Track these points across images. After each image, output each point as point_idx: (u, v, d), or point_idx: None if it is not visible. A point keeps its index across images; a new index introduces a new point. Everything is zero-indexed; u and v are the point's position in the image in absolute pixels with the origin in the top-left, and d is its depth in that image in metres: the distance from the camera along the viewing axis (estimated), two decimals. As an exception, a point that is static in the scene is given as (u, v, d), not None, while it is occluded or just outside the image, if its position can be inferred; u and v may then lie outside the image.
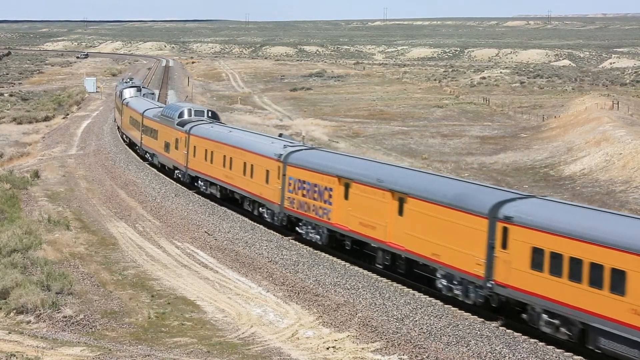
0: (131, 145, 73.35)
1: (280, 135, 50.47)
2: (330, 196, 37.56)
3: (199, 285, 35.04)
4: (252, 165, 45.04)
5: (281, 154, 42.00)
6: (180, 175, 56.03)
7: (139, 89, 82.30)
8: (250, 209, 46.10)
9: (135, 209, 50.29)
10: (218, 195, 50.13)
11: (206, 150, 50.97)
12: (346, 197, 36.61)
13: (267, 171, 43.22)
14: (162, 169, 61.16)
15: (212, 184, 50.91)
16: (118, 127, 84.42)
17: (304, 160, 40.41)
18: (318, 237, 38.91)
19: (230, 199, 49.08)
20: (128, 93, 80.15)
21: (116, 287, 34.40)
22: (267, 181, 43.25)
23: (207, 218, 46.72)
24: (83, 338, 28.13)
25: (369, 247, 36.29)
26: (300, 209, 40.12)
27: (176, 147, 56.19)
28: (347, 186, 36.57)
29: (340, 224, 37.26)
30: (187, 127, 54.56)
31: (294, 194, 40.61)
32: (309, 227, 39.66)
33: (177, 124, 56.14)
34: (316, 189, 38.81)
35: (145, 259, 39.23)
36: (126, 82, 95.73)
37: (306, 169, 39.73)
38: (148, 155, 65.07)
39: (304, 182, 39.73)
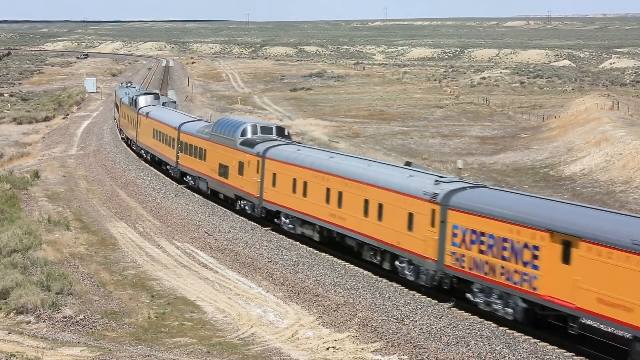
0: (153, 162, 64.99)
1: (408, 163, 39.10)
2: (534, 257, 27.93)
3: (199, 285, 35.04)
4: (380, 204, 34.92)
5: (436, 193, 31.86)
6: (247, 207, 46.19)
7: (156, 97, 71.79)
8: (376, 261, 35.75)
9: (135, 209, 50.30)
10: (316, 237, 39.88)
11: (295, 179, 40.87)
12: (566, 260, 26.82)
13: (410, 214, 33.14)
14: (210, 195, 51.73)
15: (305, 222, 40.58)
16: (129, 139, 75.48)
17: (481, 204, 30.31)
18: (509, 310, 29.10)
19: (334, 243, 38.96)
20: (144, 101, 69.54)
21: (116, 288, 34.40)
22: (410, 227, 33.16)
23: (207, 218, 46.73)
24: (83, 338, 28.13)
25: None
26: (475, 269, 30.25)
27: (240, 173, 46.41)
28: (567, 245, 26.75)
29: (555, 297, 27.31)
30: (258, 148, 44.80)
31: (463, 249, 30.69)
32: (491, 294, 29.85)
33: (242, 144, 46.32)
34: (506, 244, 29.02)
35: (145, 259, 39.23)
36: (126, 86, 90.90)
37: (488, 216, 29.62)
38: (190, 178, 55.12)
39: (482, 233, 29.95)
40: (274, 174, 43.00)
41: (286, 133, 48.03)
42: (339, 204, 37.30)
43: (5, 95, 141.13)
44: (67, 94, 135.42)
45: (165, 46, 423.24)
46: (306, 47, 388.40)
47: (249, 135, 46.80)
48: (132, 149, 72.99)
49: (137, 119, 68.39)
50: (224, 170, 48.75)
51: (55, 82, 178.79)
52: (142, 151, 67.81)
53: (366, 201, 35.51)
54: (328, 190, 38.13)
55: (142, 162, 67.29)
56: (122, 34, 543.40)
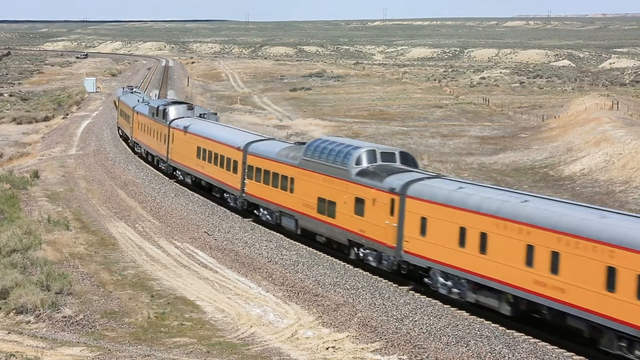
0: (196, 185, 54.89)
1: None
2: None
3: (198, 285, 35.04)
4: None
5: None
6: (372, 258, 35.60)
7: (190, 107, 61.11)
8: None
9: (135, 209, 50.30)
10: (506, 310, 29.41)
11: (463, 229, 30.71)
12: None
13: None
14: (299, 234, 41.43)
15: (483, 287, 30.23)
16: (147, 154, 66.10)
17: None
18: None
19: (536, 321, 29.18)
20: (175, 112, 59.44)
21: (116, 287, 34.40)
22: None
23: (207, 218, 46.73)
24: (83, 338, 28.13)
25: None
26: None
27: (359, 213, 36.09)
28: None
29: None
30: (390, 182, 34.17)
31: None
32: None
33: (359, 175, 36.18)
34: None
35: (145, 259, 39.22)
36: (131, 91, 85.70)
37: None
38: (265, 212, 44.58)
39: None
40: (424, 219, 32.20)
41: (412, 159, 37.72)
42: (555, 270, 26.83)
43: (5, 95, 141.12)
44: (66, 94, 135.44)
45: (165, 46, 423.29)
46: (306, 47, 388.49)
47: (365, 163, 36.57)
48: (149, 162, 65.27)
49: (170, 133, 58.22)
50: (326, 207, 38.29)
51: (55, 82, 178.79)
52: (178, 172, 57.46)
53: (609, 270, 25.32)
54: (530, 249, 27.81)
55: (143, 162, 67.24)
56: (121, 34, 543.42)
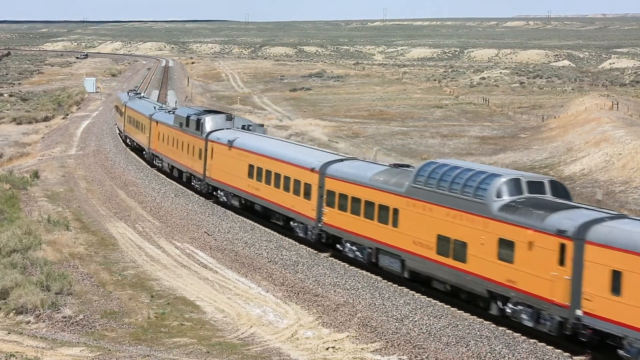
0: (245, 208, 47.81)
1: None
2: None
3: (198, 285, 35.04)
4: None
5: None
6: (526, 316, 28.58)
7: (229, 117, 53.65)
8: None
9: (135, 209, 50.30)
10: None
11: None
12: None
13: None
14: (405, 278, 34.43)
15: None
16: (172, 168, 59.64)
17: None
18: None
19: None
20: (212, 124, 52.32)
21: (116, 288, 34.40)
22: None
23: (207, 218, 46.73)
24: (83, 338, 28.13)
25: None
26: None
27: (505, 258, 29.07)
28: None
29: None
30: (558, 223, 27.25)
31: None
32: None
33: (503, 211, 29.25)
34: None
35: (145, 259, 39.23)
36: (139, 96, 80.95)
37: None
38: (354, 247, 37.27)
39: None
40: (616, 274, 25.13)
41: (564, 190, 31.27)
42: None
43: (5, 95, 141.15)
44: (66, 94, 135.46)
45: (165, 46, 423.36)
46: (306, 47, 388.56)
47: (508, 195, 29.80)
48: (176, 179, 58.24)
49: (207, 147, 51.22)
50: (452, 247, 31.15)
51: (55, 82, 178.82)
52: (220, 192, 50.01)
53: None
54: None
55: (143, 163, 67.26)
56: (121, 34, 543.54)
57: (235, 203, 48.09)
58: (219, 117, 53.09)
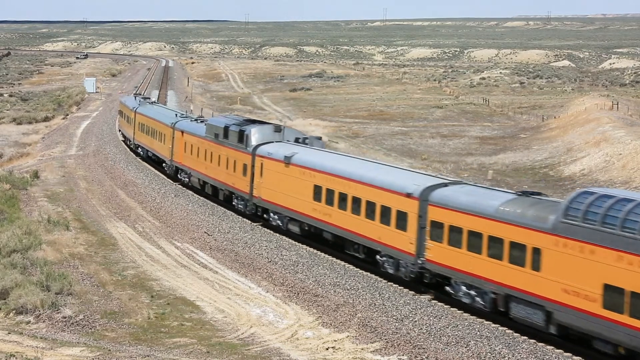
0: (308, 236, 41.24)
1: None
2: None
3: (198, 285, 35.04)
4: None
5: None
6: None
7: (277, 129, 46.92)
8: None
9: (135, 209, 50.30)
10: None
11: None
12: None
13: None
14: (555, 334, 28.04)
15: None
16: (202, 182, 53.24)
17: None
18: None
19: None
20: (260, 136, 45.99)
21: (116, 288, 34.41)
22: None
23: (207, 218, 46.72)
24: (83, 338, 28.13)
25: None
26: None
27: None
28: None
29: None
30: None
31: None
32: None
33: None
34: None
35: (145, 259, 39.23)
36: (150, 102, 75.70)
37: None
38: (465, 290, 31.07)
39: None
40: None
41: None
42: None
43: (5, 95, 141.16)
44: (66, 94, 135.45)
45: (165, 46, 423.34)
46: (306, 48, 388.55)
47: None
48: (206, 194, 52.64)
49: (255, 163, 45.04)
50: (625, 302, 24.77)
51: (55, 82, 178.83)
52: (274, 215, 43.51)
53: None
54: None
55: (142, 162, 67.24)
56: (121, 34, 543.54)
57: (295, 228, 41.52)
58: (266, 129, 46.44)
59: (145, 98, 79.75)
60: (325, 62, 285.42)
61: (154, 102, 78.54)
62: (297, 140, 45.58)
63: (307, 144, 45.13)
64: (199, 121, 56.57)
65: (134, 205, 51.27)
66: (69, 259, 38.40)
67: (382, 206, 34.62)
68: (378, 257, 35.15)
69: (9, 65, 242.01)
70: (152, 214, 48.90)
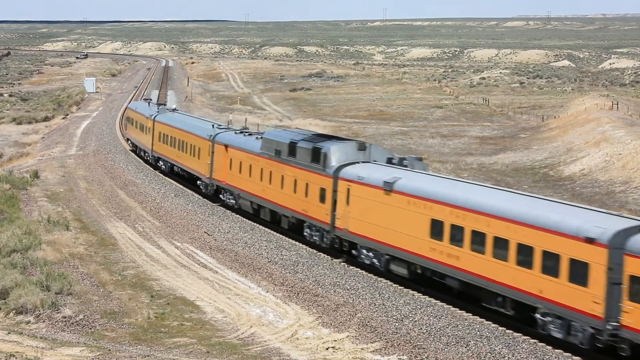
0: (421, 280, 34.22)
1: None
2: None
3: (198, 285, 35.04)
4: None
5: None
6: None
7: (361, 147, 39.17)
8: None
9: (135, 209, 50.29)
10: None
11: None
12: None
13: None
14: None
15: None
16: (289, 218, 42.44)
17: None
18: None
19: None
20: (340, 156, 38.57)
21: (116, 288, 34.41)
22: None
23: (207, 218, 46.72)
24: (82, 338, 28.13)
25: None
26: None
27: None
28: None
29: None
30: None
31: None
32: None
33: None
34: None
35: (145, 259, 39.23)
36: (170, 110, 67.06)
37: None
38: None
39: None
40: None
41: None
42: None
43: (5, 95, 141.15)
44: (66, 94, 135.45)
45: (165, 46, 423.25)
46: (306, 48, 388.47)
47: None
48: (262, 220, 45.43)
49: (337, 188, 37.67)
50: None
51: (55, 82, 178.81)
52: (367, 252, 36.17)
53: None
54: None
55: (142, 162, 67.19)
56: (121, 34, 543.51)
57: (399, 270, 34.50)
58: (348, 147, 38.97)
59: (160, 104, 71.66)
60: (325, 62, 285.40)
61: (175, 109, 68.83)
62: (390, 161, 38.36)
63: (404, 165, 37.61)
64: (246, 134, 49.55)
65: (134, 205, 51.27)
66: (69, 259, 38.40)
67: (545, 252, 27.30)
68: (539, 315, 27.88)
69: (9, 65, 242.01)
70: (152, 214, 48.90)
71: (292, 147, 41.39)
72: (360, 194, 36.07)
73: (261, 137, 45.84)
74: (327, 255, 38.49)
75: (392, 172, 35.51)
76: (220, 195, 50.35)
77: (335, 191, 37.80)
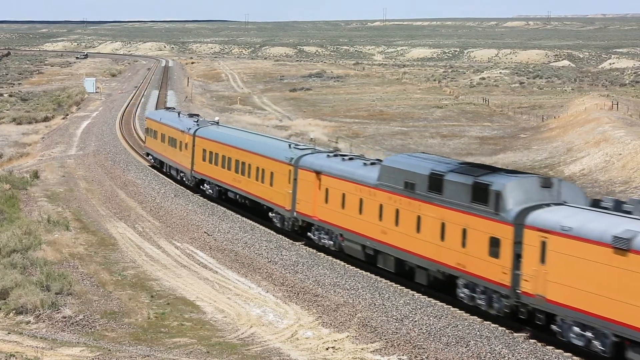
0: None
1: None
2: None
3: (198, 285, 35.04)
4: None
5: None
6: None
7: (546, 184, 30.08)
8: None
9: (135, 209, 50.28)
10: None
11: None
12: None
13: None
14: None
15: None
16: (428, 273, 33.25)
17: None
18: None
19: None
20: (519, 194, 29.44)
21: (116, 288, 34.41)
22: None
23: (207, 218, 46.72)
24: (82, 338, 28.14)
25: None
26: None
27: None
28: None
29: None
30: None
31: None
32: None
33: None
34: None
35: (145, 259, 39.24)
36: (213, 123, 56.94)
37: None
38: None
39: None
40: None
41: None
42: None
43: (5, 95, 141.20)
44: (66, 94, 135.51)
45: (165, 46, 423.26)
46: (306, 48, 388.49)
47: None
48: (366, 264, 37.22)
49: (524, 241, 28.11)
50: None
51: (55, 82, 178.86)
52: (588, 332, 26.26)
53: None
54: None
55: (143, 162, 67.16)
56: (121, 34, 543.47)
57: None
58: (529, 183, 29.97)
59: (192, 115, 62.08)
60: (325, 62, 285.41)
61: (218, 122, 58.38)
62: (596, 204, 28.69)
63: (625, 210, 27.32)
64: (346, 158, 40.01)
65: (134, 205, 51.26)
66: (69, 259, 38.41)
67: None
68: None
69: (9, 65, 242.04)
70: (152, 214, 48.89)
71: (436, 181, 32.44)
72: (566, 251, 26.51)
73: (376, 164, 37.01)
74: (497, 324, 29.56)
75: (618, 223, 25.82)
76: (310, 234, 40.75)
77: (518, 243, 28.44)
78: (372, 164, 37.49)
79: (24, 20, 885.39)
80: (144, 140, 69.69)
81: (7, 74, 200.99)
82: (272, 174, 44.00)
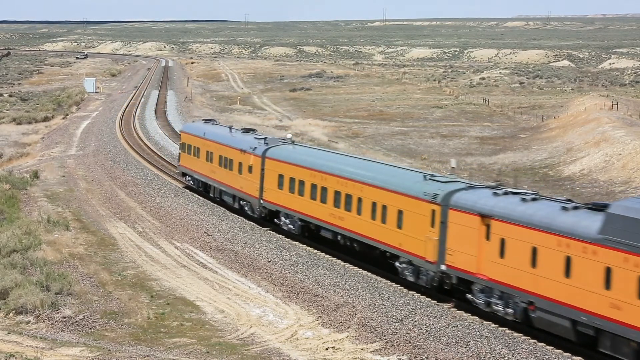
0: None
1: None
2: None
3: (198, 285, 35.04)
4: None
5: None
6: None
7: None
8: None
9: (135, 209, 50.27)
10: None
11: None
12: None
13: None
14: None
15: None
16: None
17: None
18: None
19: None
20: None
21: (115, 288, 34.40)
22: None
23: (207, 218, 46.70)
24: (82, 338, 28.13)
25: None
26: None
27: None
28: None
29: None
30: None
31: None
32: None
33: None
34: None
35: (145, 259, 39.23)
36: (288, 142, 46.04)
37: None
38: None
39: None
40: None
41: None
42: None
43: (5, 95, 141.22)
44: (66, 94, 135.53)
45: (165, 46, 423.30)
46: (306, 48, 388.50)
47: None
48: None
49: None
50: None
51: (55, 82, 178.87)
52: None
53: None
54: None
55: (142, 162, 67.16)
56: (121, 34, 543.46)
57: None
58: None
59: (247, 130, 51.66)
60: (325, 62, 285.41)
61: (293, 141, 47.76)
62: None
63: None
64: (529, 198, 29.44)
65: (134, 205, 51.25)
66: (69, 259, 38.40)
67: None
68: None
69: (9, 65, 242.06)
70: (152, 214, 48.88)
71: None
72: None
73: (601, 211, 26.19)
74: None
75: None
76: (470, 296, 30.92)
77: None
78: (575, 207, 27.40)
79: (24, 20, 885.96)
80: (177, 157, 59.26)
81: (7, 74, 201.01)
82: (399, 212, 34.41)
